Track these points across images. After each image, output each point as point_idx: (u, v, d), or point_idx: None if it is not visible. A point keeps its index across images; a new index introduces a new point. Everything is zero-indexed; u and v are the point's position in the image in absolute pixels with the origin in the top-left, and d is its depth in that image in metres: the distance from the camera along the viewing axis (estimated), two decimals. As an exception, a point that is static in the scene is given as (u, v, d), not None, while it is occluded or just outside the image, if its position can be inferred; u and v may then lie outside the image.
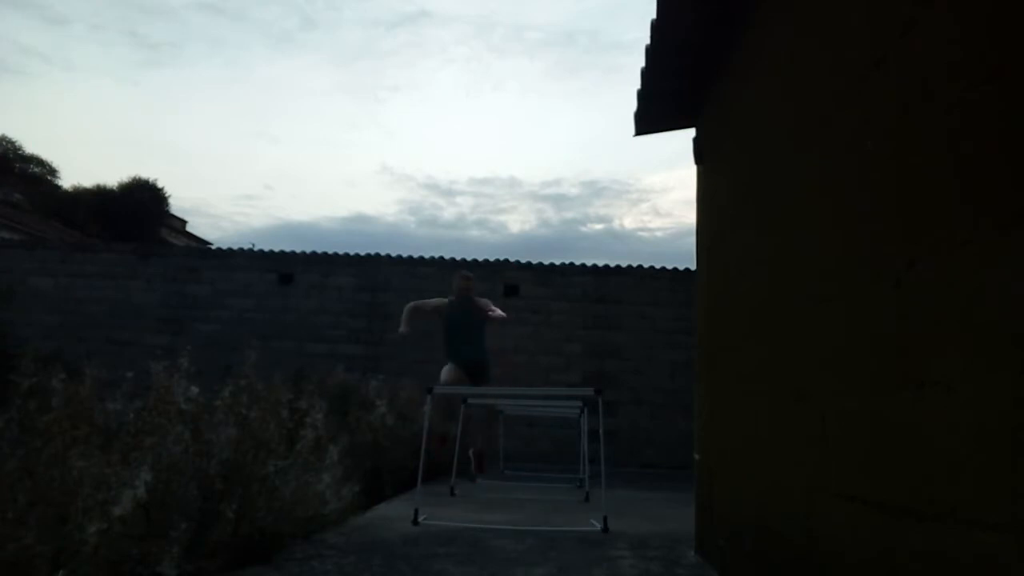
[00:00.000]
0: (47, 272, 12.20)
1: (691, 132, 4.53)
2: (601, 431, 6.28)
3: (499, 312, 7.35)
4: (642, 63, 4.11)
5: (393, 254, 12.22)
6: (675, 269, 11.77)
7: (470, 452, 7.29)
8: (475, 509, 5.63)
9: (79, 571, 2.38)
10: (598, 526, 4.82)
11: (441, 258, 12.17)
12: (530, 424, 11.03)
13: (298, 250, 12.31)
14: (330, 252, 12.23)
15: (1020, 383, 1.34)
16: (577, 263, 12.00)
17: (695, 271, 4.49)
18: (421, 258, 12.17)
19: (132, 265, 12.30)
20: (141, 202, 20.43)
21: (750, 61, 3.35)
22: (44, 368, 2.88)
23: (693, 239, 4.45)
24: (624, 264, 11.98)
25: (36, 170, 24.18)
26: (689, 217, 4.59)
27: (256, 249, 12.55)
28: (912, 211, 1.79)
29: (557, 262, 12.01)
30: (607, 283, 11.84)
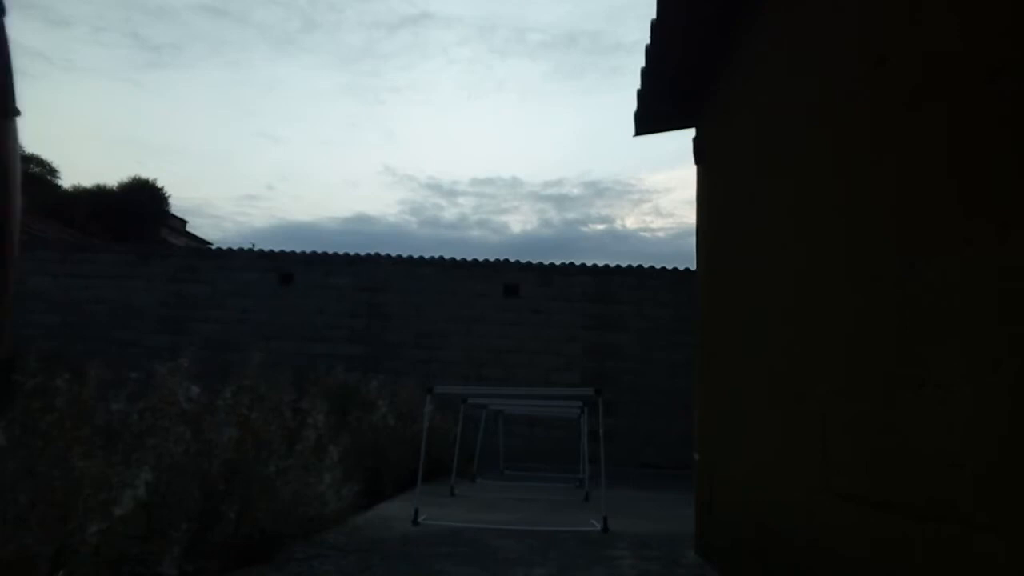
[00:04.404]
0: (47, 272, 12.20)
1: (691, 132, 4.53)
2: (601, 431, 6.29)
3: None
4: (643, 64, 4.11)
5: (393, 254, 12.24)
6: (675, 269, 11.78)
7: None
8: (475, 509, 5.63)
9: (79, 571, 2.38)
10: (598, 526, 4.82)
11: (441, 258, 12.17)
12: (530, 424, 11.04)
13: (299, 250, 12.32)
14: (330, 252, 12.24)
15: (1018, 383, 1.34)
16: (578, 263, 12.00)
17: (695, 271, 4.49)
18: (421, 258, 12.17)
19: (132, 265, 12.29)
20: (141, 202, 20.41)
21: (749, 61, 3.35)
22: (46, 368, 2.88)
23: (695, 239, 4.45)
24: (625, 264, 12.00)
25: (36, 170, 24.16)
26: (691, 217, 4.58)
27: (256, 249, 12.55)
28: (912, 212, 1.79)
29: (558, 262, 12.02)
30: (607, 283, 11.84)
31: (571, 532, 4.74)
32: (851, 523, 2.02)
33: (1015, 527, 1.33)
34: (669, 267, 11.87)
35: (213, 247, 16.56)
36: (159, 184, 21.74)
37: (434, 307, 11.88)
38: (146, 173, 33.64)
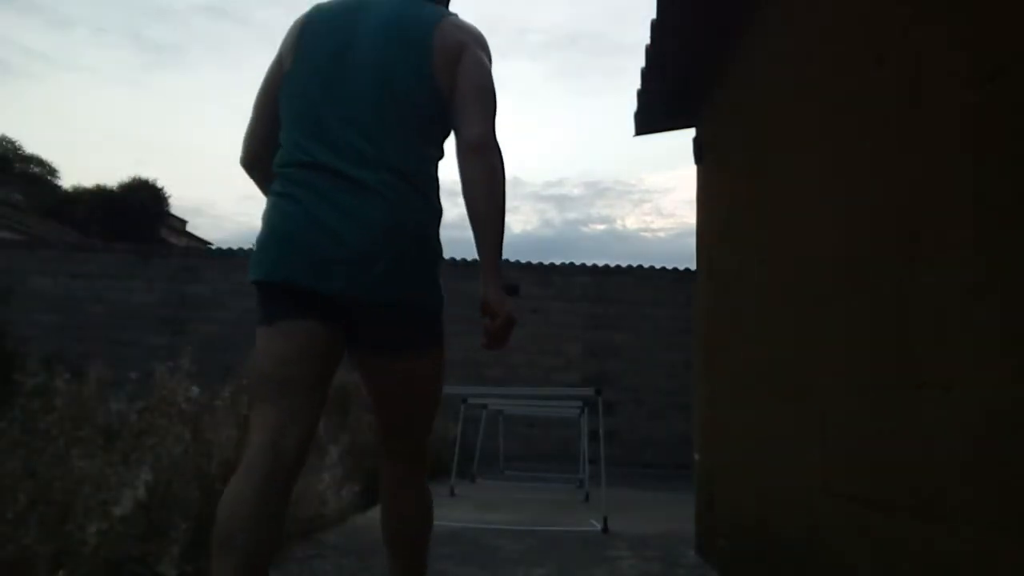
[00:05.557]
0: (47, 272, 12.20)
1: (691, 132, 4.53)
2: (601, 431, 6.28)
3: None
4: (643, 64, 4.11)
5: (393, 254, 12.22)
6: (675, 269, 11.77)
7: None
8: (475, 509, 5.63)
9: (79, 571, 2.38)
10: (598, 526, 4.82)
11: (441, 258, 12.15)
12: (530, 424, 11.03)
13: (298, 250, 12.29)
14: (330, 252, 12.23)
15: (1019, 383, 1.34)
16: (578, 263, 12.00)
17: (695, 271, 4.49)
18: (421, 258, 12.15)
19: (132, 265, 12.29)
20: (141, 202, 20.40)
21: (750, 61, 3.35)
22: (47, 368, 2.88)
23: (695, 239, 4.45)
24: (625, 264, 11.99)
25: (36, 170, 24.14)
26: (691, 217, 4.59)
27: (256, 249, 12.55)
28: (912, 211, 1.79)
29: (558, 262, 12.01)
30: (607, 283, 11.83)
31: (571, 532, 4.74)
32: (851, 523, 2.02)
33: (1016, 527, 1.33)
34: (669, 267, 11.87)
35: (213, 247, 16.55)
36: (159, 184, 21.72)
37: (434, 307, 11.85)
38: (146, 173, 33.66)
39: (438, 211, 1.74)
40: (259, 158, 1.81)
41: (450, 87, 1.67)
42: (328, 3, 1.80)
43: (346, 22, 1.72)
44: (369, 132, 1.62)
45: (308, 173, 1.62)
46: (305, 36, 1.74)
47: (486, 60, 1.75)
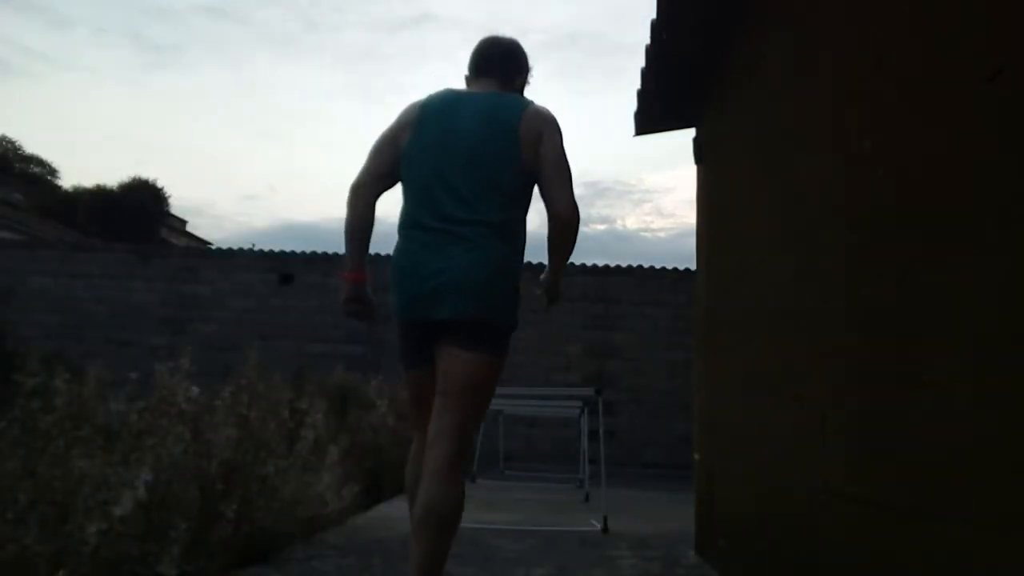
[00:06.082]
0: (47, 272, 12.19)
1: (691, 132, 4.53)
2: (601, 431, 6.27)
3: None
4: (643, 64, 4.11)
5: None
6: (675, 269, 11.77)
7: None
8: (475, 509, 5.62)
9: (79, 571, 2.38)
10: (598, 526, 4.82)
11: (441, 258, 12.14)
12: (530, 424, 11.03)
13: (300, 250, 12.30)
14: (330, 252, 12.23)
15: (1019, 383, 1.34)
16: (578, 263, 11.98)
17: (695, 271, 4.49)
18: (421, 258, 12.14)
19: (132, 265, 12.29)
20: (141, 202, 20.40)
21: (750, 61, 3.35)
22: (47, 368, 2.88)
23: (695, 239, 4.45)
24: (625, 264, 11.98)
25: (36, 170, 24.17)
26: (691, 217, 4.58)
27: (256, 249, 12.54)
28: (911, 210, 1.79)
29: (557, 262, 11.98)
30: (607, 283, 11.83)
31: (571, 532, 4.74)
32: (851, 523, 2.02)
33: (1016, 527, 1.33)
34: (669, 267, 11.86)
35: (213, 247, 16.54)
36: (159, 184, 21.73)
37: (434, 307, 11.84)
38: (146, 173, 33.68)
39: (520, 254, 2.34)
40: (364, 188, 2.36)
41: (533, 163, 2.22)
42: (438, 94, 2.36)
43: (451, 112, 2.28)
44: (465, 200, 2.18)
45: (419, 232, 2.24)
46: (421, 120, 2.29)
47: (560, 139, 2.28)
